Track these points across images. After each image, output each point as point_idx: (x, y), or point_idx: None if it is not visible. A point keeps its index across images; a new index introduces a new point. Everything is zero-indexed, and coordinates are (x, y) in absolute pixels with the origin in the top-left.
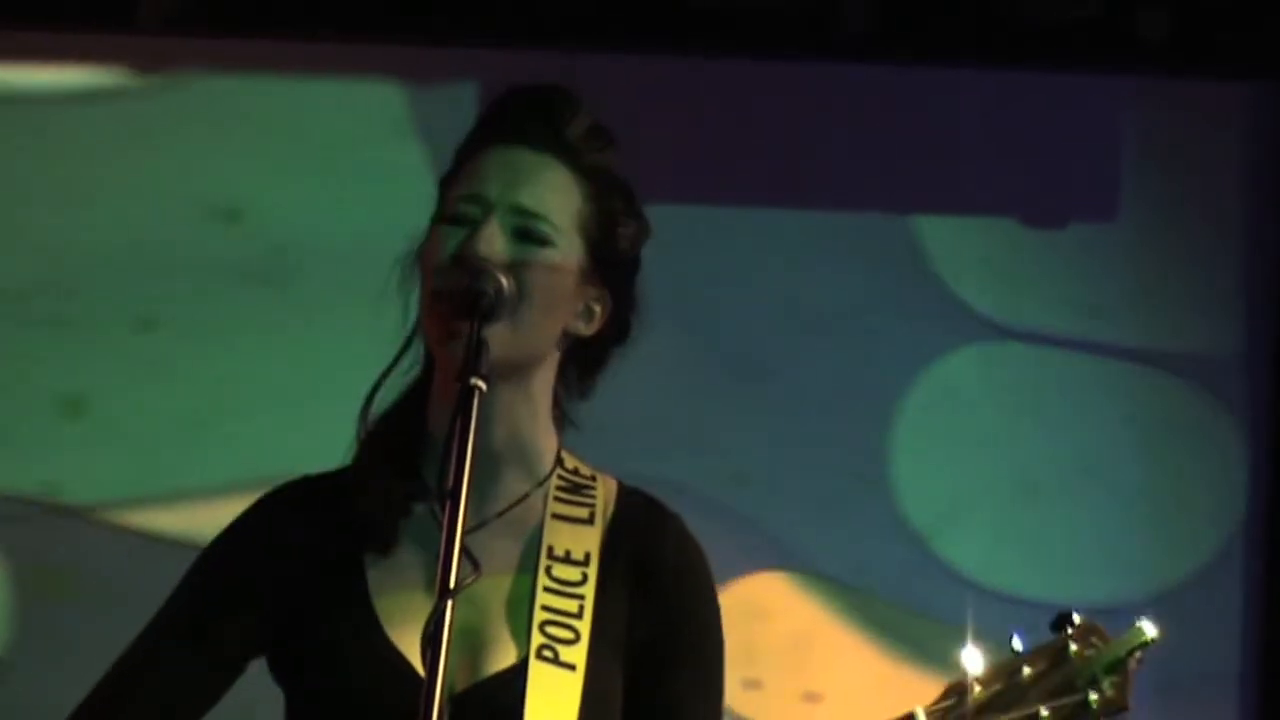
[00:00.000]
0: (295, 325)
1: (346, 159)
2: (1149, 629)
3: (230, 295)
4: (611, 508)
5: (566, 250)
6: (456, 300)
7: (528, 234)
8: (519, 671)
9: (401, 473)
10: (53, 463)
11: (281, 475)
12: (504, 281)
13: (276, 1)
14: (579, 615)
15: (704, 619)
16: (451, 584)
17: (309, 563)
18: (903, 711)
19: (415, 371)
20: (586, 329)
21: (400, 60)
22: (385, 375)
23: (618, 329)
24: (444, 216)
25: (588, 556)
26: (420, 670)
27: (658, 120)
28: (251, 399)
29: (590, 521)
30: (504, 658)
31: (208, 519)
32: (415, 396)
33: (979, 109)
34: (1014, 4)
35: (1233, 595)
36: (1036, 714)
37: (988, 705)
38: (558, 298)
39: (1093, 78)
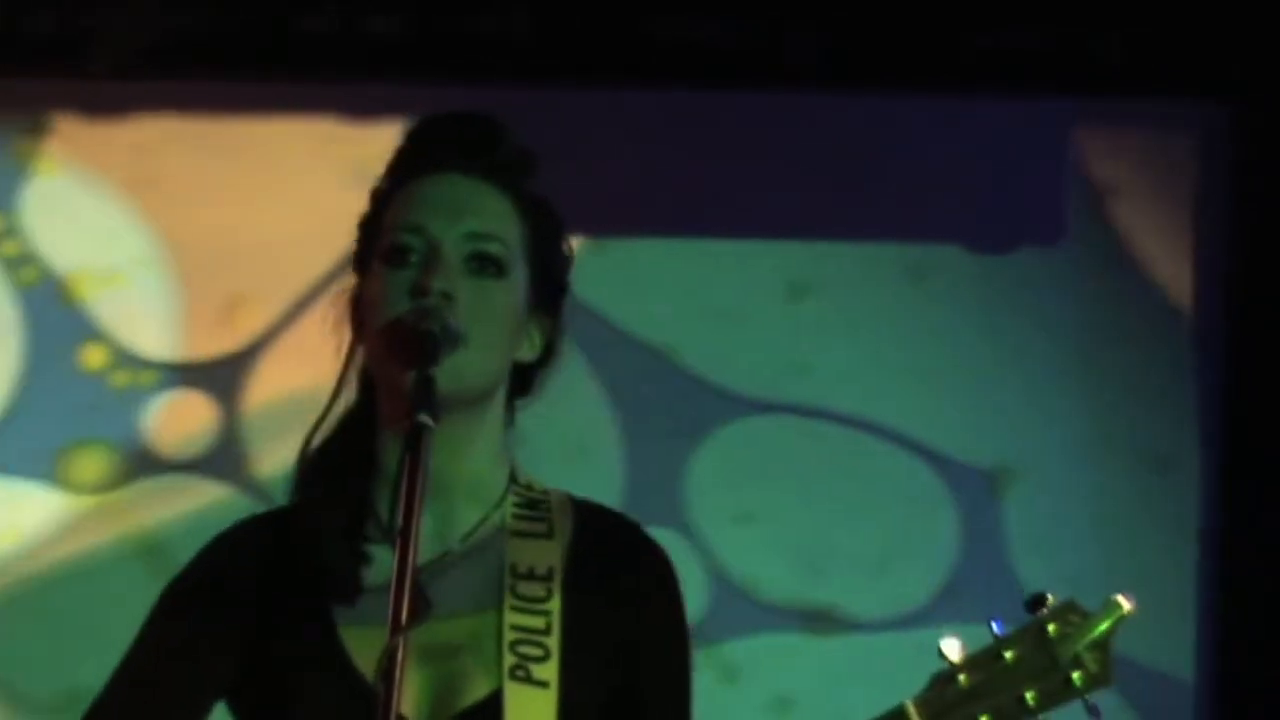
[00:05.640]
0: None
1: None
2: (1125, 602)
3: None
4: (570, 521)
5: (516, 278)
6: (407, 339)
7: (482, 260)
8: (495, 698)
9: (352, 508)
10: None
11: None
12: (452, 320)
13: (229, 44)
14: (547, 631)
15: (676, 623)
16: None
17: (271, 603)
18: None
19: (345, 404)
20: (530, 356)
21: (346, 98)
22: (323, 416)
23: (550, 354)
24: (381, 253)
25: (550, 571)
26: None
27: (606, 153)
28: None
29: (549, 536)
30: (480, 685)
31: None
32: (356, 427)
33: (925, 135)
34: (962, 29)
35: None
36: (1022, 697)
37: (973, 692)
38: (510, 328)
39: (1040, 102)
